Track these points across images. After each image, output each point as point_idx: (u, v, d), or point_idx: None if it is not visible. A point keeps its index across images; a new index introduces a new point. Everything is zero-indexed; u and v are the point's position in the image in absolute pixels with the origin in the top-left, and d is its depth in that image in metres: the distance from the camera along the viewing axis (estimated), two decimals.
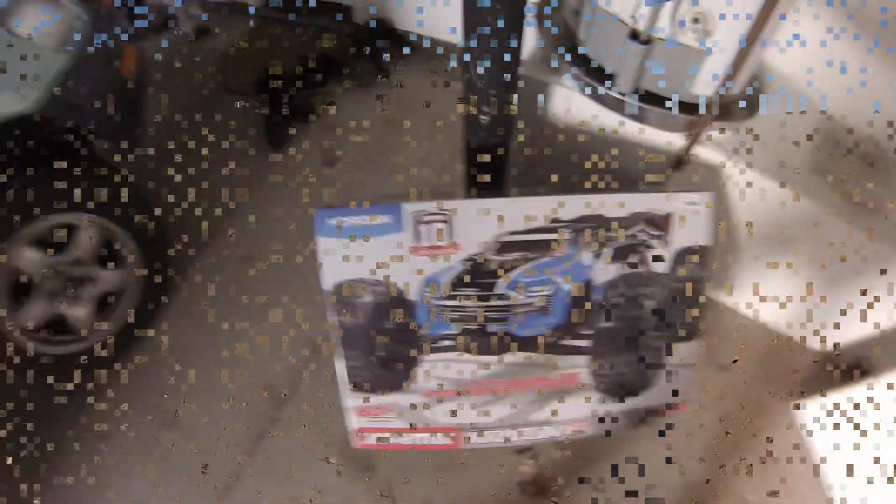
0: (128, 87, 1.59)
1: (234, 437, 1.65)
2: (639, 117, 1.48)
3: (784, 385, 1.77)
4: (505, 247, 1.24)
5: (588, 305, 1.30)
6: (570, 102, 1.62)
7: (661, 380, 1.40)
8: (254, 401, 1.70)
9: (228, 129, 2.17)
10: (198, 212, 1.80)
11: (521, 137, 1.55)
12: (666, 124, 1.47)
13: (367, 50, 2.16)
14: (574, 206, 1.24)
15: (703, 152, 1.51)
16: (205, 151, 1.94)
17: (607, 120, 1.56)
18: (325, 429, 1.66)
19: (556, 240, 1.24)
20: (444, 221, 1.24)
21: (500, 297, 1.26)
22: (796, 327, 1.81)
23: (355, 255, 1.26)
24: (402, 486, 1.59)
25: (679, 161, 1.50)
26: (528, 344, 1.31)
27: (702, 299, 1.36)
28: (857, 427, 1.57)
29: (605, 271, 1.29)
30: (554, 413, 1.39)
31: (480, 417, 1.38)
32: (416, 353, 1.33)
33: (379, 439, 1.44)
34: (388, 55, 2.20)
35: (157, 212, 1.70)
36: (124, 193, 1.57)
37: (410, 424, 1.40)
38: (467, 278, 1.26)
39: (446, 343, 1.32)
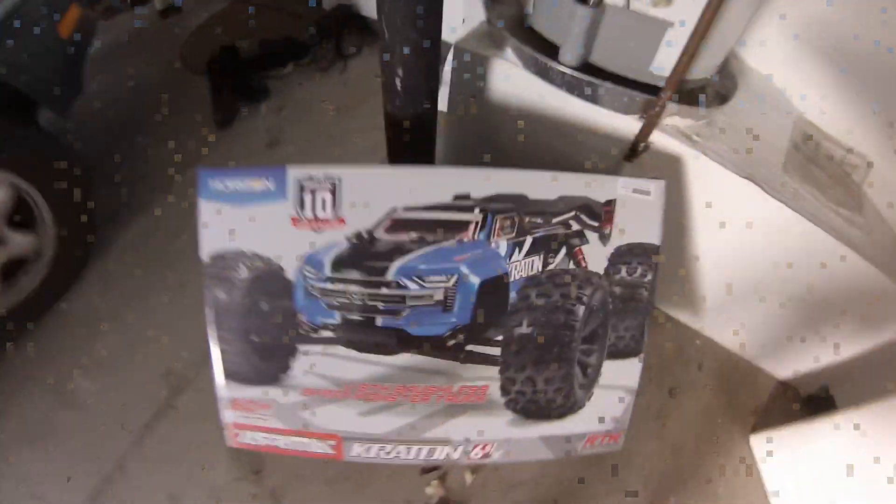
0: (65, 47, 1.40)
1: (128, 421, 1.39)
2: (589, 96, 1.20)
3: (740, 414, 1.46)
4: (399, 225, 0.99)
5: (499, 305, 1.01)
6: (514, 79, 1.34)
7: (590, 402, 1.11)
8: (154, 385, 1.44)
9: (180, 105, 1.99)
10: (125, 184, 1.62)
11: (459, 114, 1.31)
12: (619, 105, 1.19)
13: (331, 35, 1.98)
14: (489, 181, 0.98)
15: (661, 140, 1.22)
16: (149, 125, 1.77)
17: (553, 100, 1.28)
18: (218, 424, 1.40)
19: (462, 221, 0.97)
20: (331, 191, 1.00)
21: (390, 284, 0.99)
22: (755, 349, 1.51)
23: (235, 223, 1.03)
24: (293, 494, 1.31)
25: (633, 148, 1.21)
26: (422, 345, 1.03)
27: (644, 308, 1.08)
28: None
29: (524, 265, 1.01)
30: (455, 431, 1.09)
31: (366, 427, 1.09)
32: (295, 343, 1.07)
33: (254, 439, 1.16)
34: (352, 42, 2.02)
35: (81, 179, 1.47)
36: (46, 155, 1.37)
37: (285, 426, 1.12)
38: (353, 260, 1.00)
39: (328, 334, 1.05)
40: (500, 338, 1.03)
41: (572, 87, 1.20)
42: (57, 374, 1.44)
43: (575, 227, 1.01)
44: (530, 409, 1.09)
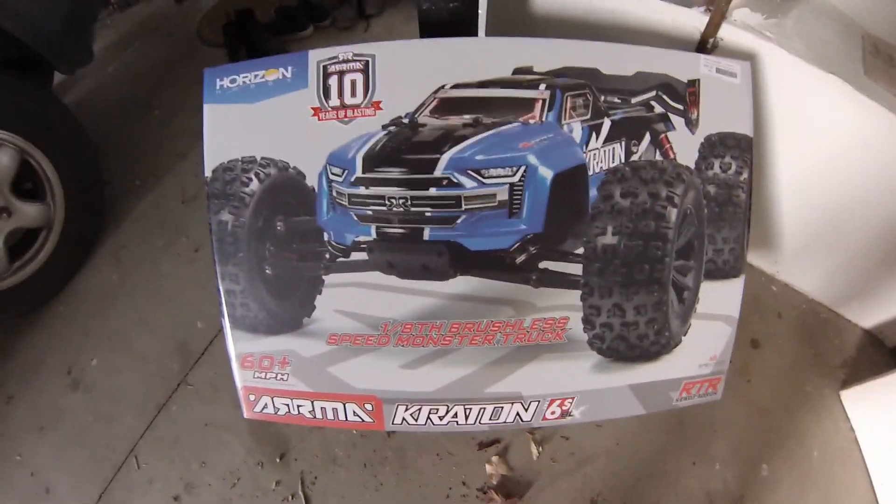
0: (72, 4, 1.10)
1: (141, 402, 0.99)
2: None
3: (829, 368, 1.04)
4: (448, 105, 0.64)
5: (578, 206, 0.64)
6: None
7: (686, 338, 0.72)
8: (168, 360, 1.04)
9: (197, 78, 1.74)
10: (139, 156, 1.29)
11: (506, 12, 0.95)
12: None
13: None
14: (556, 54, 0.65)
15: (732, 35, 0.86)
16: (165, 98, 1.43)
17: (610, 1, 0.93)
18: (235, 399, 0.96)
19: (526, 98, 0.63)
20: (362, 71, 0.65)
21: (440, 182, 0.63)
22: (836, 295, 1.09)
23: (244, 124, 0.69)
24: (324, 481, 0.90)
25: (702, 44, 0.86)
26: (484, 263, 0.65)
27: (744, 215, 0.72)
28: None
29: (604, 154, 0.66)
30: (526, 382, 0.69)
31: (412, 384, 0.69)
32: (319, 272, 0.69)
33: (273, 407, 0.75)
34: (374, 2, 1.63)
35: (92, 150, 1.15)
36: (58, 123, 1.06)
37: (309, 388, 0.72)
38: (391, 154, 0.65)
39: (360, 256, 0.68)
40: (580, 251, 0.66)
41: None
42: (69, 356, 1.06)
43: (658, 109, 0.66)
44: (619, 348, 0.69)
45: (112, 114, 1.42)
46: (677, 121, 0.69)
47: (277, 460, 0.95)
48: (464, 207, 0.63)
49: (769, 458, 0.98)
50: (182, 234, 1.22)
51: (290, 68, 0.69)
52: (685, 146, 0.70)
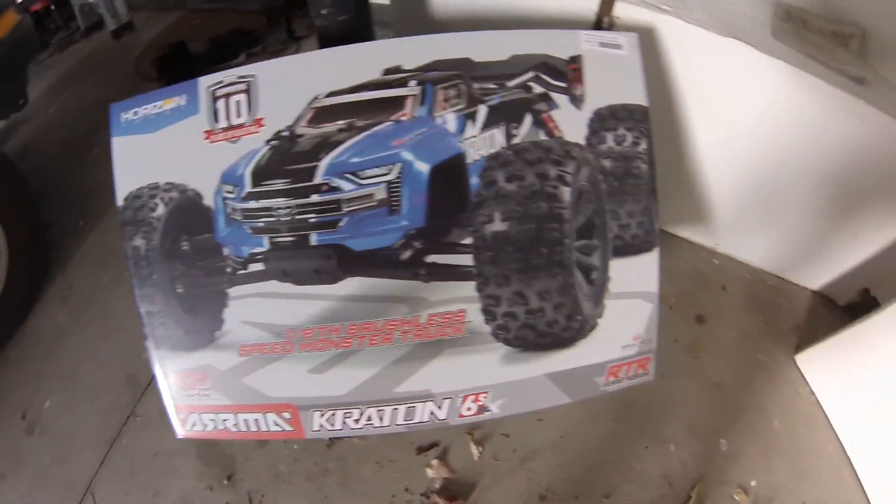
0: (8, 57, 1.17)
1: (95, 437, 1.00)
2: None
3: (781, 334, 1.01)
4: (323, 114, 0.66)
5: (459, 196, 0.64)
6: None
7: (603, 320, 0.71)
8: (118, 392, 1.05)
9: None
10: (83, 196, 1.32)
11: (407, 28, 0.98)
12: None
13: (281, 20, 1.66)
14: (423, 49, 0.66)
15: (628, 12, 0.86)
16: (105, 137, 1.51)
17: None
18: None
19: (397, 97, 0.64)
20: (245, 91, 0.68)
21: (321, 188, 0.64)
22: (780, 260, 1.07)
23: (147, 153, 0.72)
24: (272, 497, 0.89)
25: (597, 25, 0.86)
26: (370, 263, 0.65)
27: (647, 186, 0.71)
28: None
29: (483, 141, 0.65)
30: (434, 380, 0.68)
31: (322, 388, 0.69)
32: (223, 286, 0.71)
33: (202, 423, 0.76)
34: (303, 24, 1.66)
35: (33, 196, 1.18)
36: None
37: (230, 400, 0.72)
38: (275, 166, 0.66)
39: (257, 267, 0.69)
40: (468, 241, 0.65)
41: None
42: (23, 400, 1.08)
43: (537, 89, 0.66)
44: (527, 337, 0.68)
45: (54, 155, 1.46)
46: (560, 98, 0.68)
47: (225, 482, 0.94)
48: (344, 210, 0.64)
49: (727, 432, 0.94)
50: (126, 268, 1.25)
51: (183, 96, 0.72)
52: (572, 123, 0.68)
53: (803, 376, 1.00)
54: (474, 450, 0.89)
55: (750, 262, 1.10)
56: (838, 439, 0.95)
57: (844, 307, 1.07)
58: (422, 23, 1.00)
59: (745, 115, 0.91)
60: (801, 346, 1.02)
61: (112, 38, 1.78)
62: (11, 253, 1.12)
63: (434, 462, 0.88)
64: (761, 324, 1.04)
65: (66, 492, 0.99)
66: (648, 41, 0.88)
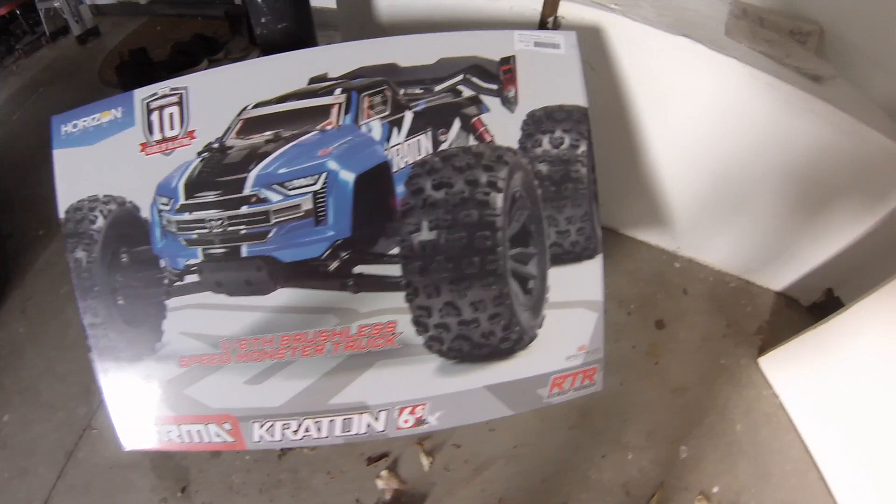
0: None
1: (52, 451, 1.01)
2: None
3: (744, 336, 1.01)
4: (251, 125, 0.66)
5: (385, 205, 0.64)
6: None
7: (543, 330, 0.70)
8: (75, 405, 1.07)
9: None
10: (44, 207, 1.25)
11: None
12: None
13: (242, 26, 1.68)
14: (350, 56, 0.66)
15: (574, 11, 0.86)
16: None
17: None
18: None
19: (322, 106, 0.64)
20: (178, 104, 0.69)
21: (250, 200, 0.65)
22: (742, 261, 1.07)
23: (86, 165, 0.73)
24: None
25: (542, 25, 0.86)
26: (300, 274, 0.66)
27: (587, 190, 0.70)
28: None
29: (409, 148, 0.66)
30: (369, 391, 0.68)
31: (259, 399, 0.70)
32: (161, 298, 0.71)
33: (147, 436, 0.77)
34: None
35: None
36: None
37: (173, 412, 0.74)
38: (206, 178, 0.67)
39: (193, 279, 0.70)
40: (396, 251, 0.65)
41: None
42: None
43: (467, 92, 0.66)
44: (462, 348, 0.68)
45: (17, 164, 1.47)
46: (492, 101, 0.67)
47: (179, 494, 0.96)
48: (272, 221, 0.64)
49: (688, 437, 0.94)
50: None
51: (119, 108, 0.73)
52: (505, 126, 0.68)
53: (766, 379, 1.00)
54: (424, 461, 0.90)
55: (712, 265, 1.10)
56: (803, 441, 0.95)
57: (808, 308, 1.07)
58: (368, 26, 1.00)
59: (700, 114, 0.91)
60: (764, 349, 1.02)
61: (77, 44, 1.80)
62: None
63: (384, 473, 0.88)
64: (723, 327, 1.04)
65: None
66: (595, 41, 0.88)
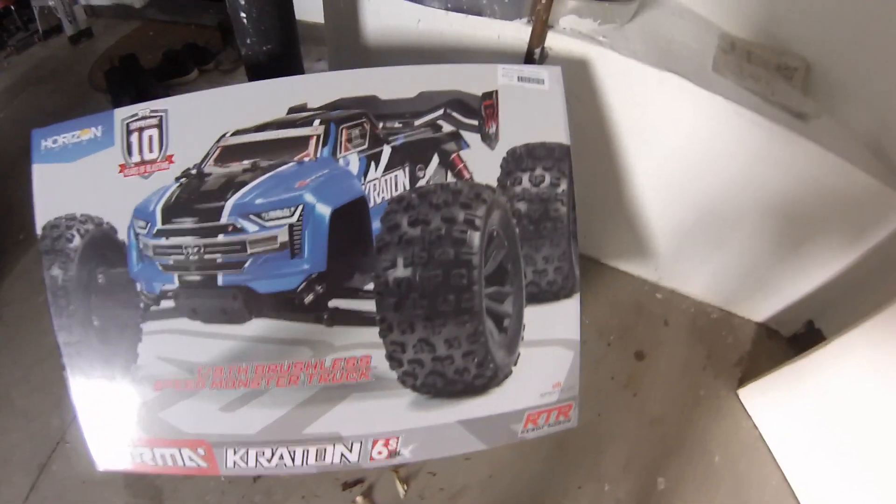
0: None
1: (26, 463, 1.00)
2: (466, 6, 0.86)
3: (723, 367, 1.03)
4: (229, 153, 0.66)
5: (361, 241, 0.65)
6: (386, 11, 0.96)
7: (518, 367, 0.72)
8: (49, 416, 1.06)
9: None
10: (23, 209, 1.28)
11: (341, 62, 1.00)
12: (502, 9, 0.85)
13: (236, 39, 1.76)
14: (329, 86, 0.66)
15: (561, 44, 0.87)
16: None
17: (432, 25, 0.92)
18: None
19: (300, 137, 0.65)
20: (157, 126, 0.69)
21: (227, 229, 0.65)
22: (724, 293, 1.08)
23: (65, 183, 0.73)
24: None
25: (528, 57, 0.86)
26: (276, 305, 0.66)
27: (566, 229, 0.71)
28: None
29: (386, 183, 0.66)
30: (342, 423, 0.69)
31: (234, 427, 0.71)
32: (136, 321, 0.72)
33: (120, 456, 0.78)
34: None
35: None
36: None
37: (146, 434, 0.74)
38: (184, 204, 0.67)
39: (169, 304, 0.70)
40: (370, 286, 0.66)
41: (446, 1, 0.87)
42: None
43: (447, 128, 0.66)
44: (435, 384, 0.69)
45: (2, 164, 1.44)
46: (472, 137, 0.68)
47: None
48: (249, 251, 0.65)
49: (665, 469, 0.95)
50: None
51: (99, 127, 0.73)
52: (484, 163, 0.69)
53: (746, 410, 1.02)
54: (400, 488, 0.90)
55: (694, 295, 1.12)
56: (782, 473, 0.96)
57: (789, 339, 1.09)
58: (354, 45, 1.00)
59: (684, 147, 0.93)
60: (744, 380, 1.04)
61: (69, 44, 1.79)
62: None
63: (359, 499, 0.89)
64: (703, 357, 1.05)
65: None
66: (583, 73, 0.90)
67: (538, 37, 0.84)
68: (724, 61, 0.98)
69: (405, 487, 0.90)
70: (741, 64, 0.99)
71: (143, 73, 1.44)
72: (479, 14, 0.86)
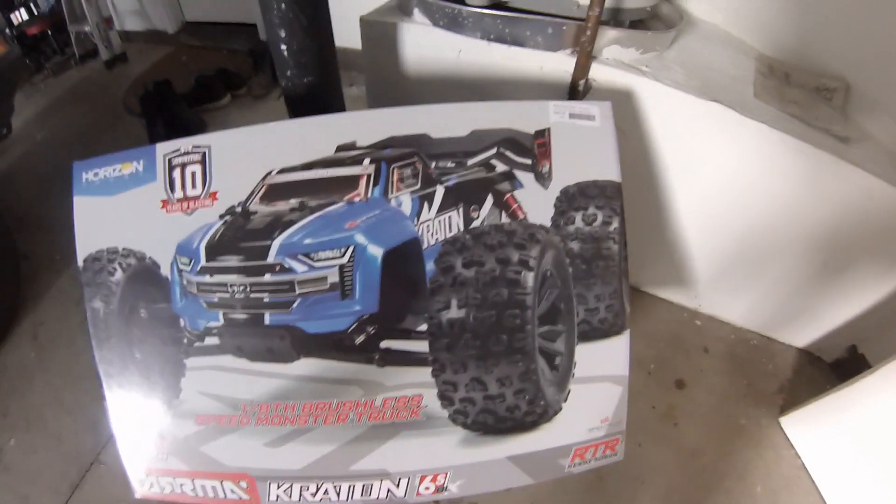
0: None
1: (57, 482, 0.99)
2: (509, 38, 0.85)
3: (764, 396, 0.99)
4: (275, 191, 0.65)
5: (414, 282, 0.63)
6: (427, 41, 0.96)
7: (567, 404, 0.69)
8: (83, 437, 1.06)
9: (120, 146, 1.73)
10: (62, 230, 1.32)
11: (380, 92, 0.98)
12: (545, 41, 0.84)
13: (266, 63, 1.68)
14: (378, 124, 0.64)
15: (605, 75, 0.86)
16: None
17: (474, 55, 0.92)
18: None
19: (350, 176, 0.63)
20: (200, 162, 0.68)
21: (274, 268, 0.63)
22: (764, 319, 1.05)
23: (107, 216, 0.72)
24: None
25: (573, 89, 0.85)
26: (324, 346, 0.64)
27: (617, 268, 0.68)
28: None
29: (440, 224, 0.64)
30: (391, 460, 0.67)
31: (279, 462, 0.69)
32: (180, 357, 0.71)
33: (159, 486, 0.76)
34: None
35: (9, 228, 1.18)
36: None
37: (187, 466, 0.72)
38: (229, 242, 0.65)
39: (213, 341, 0.68)
40: (423, 328, 0.64)
41: (488, 32, 0.86)
42: None
43: (500, 167, 0.64)
44: (486, 422, 0.67)
45: (36, 185, 1.47)
46: (525, 177, 0.66)
47: None
48: (297, 292, 0.63)
49: (705, 501, 0.92)
50: None
51: (141, 162, 0.71)
52: (537, 203, 0.66)
53: (788, 439, 0.98)
54: None
55: (733, 322, 1.08)
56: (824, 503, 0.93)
57: (832, 364, 1.05)
58: (392, 77, 0.98)
59: (727, 176, 0.90)
60: (785, 408, 1.00)
61: (104, 68, 1.80)
62: None
63: None
64: (744, 386, 1.02)
65: None
66: (626, 104, 0.87)
67: (582, 68, 0.81)
68: (765, 86, 0.95)
69: None
70: (782, 89, 0.96)
71: (176, 98, 1.44)
72: (522, 45, 0.84)
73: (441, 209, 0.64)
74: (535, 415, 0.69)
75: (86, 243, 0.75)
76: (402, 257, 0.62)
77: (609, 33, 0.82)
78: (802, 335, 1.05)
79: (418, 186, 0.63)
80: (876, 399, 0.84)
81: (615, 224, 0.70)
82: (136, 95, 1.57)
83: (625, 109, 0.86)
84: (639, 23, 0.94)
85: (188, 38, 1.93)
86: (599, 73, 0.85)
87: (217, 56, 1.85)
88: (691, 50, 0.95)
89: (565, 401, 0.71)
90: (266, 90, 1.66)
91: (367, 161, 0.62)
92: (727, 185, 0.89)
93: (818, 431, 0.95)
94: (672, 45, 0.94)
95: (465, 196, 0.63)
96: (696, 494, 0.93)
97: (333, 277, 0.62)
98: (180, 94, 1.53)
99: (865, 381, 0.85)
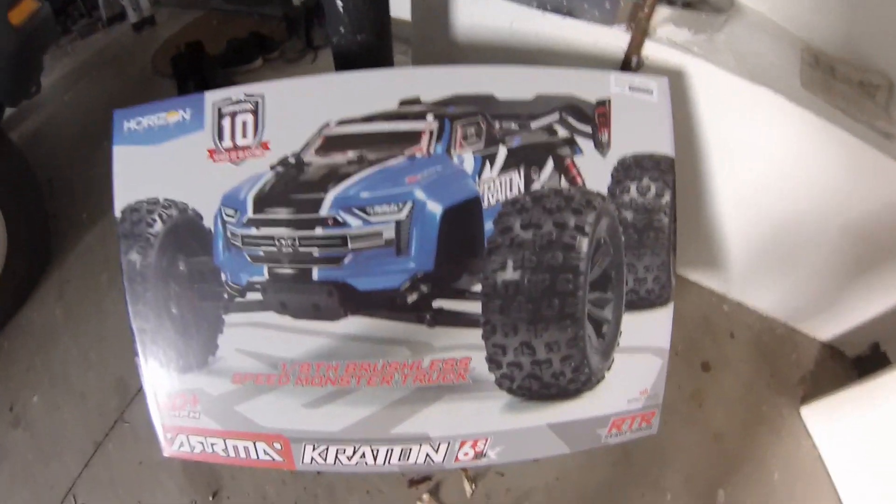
0: (16, 36, 1.07)
1: (80, 440, 0.96)
2: (564, 8, 0.80)
3: (786, 385, 0.97)
4: (333, 143, 0.60)
5: (472, 241, 0.60)
6: (479, 9, 0.91)
7: (610, 373, 0.67)
8: (106, 396, 1.01)
9: None
10: (89, 190, 1.25)
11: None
12: (601, 13, 0.79)
13: (300, 28, 1.60)
14: (445, 81, 0.61)
15: (658, 53, 0.81)
16: (111, 134, 1.46)
17: (527, 24, 0.87)
18: None
19: (413, 131, 0.59)
20: (252, 111, 0.63)
21: (326, 222, 0.59)
22: (791, 309, 1.02)
23: (148, 166, 0.67)
24: None
25: (625, 64, 0.81)
26: (374, 304, 0.61)
27: (667, 240, 0.66)
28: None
29: (500, 184, 0.61)
30: (432, 424, 0.64)
31: (316, 423, 0.65)
32: (219, 312, 0.66)
33: (189, 445, 0.72)
34: (322, 33, 1.62)
35: (37, 186, 1.12)
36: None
37: (220, 426, 0.68)
38: (279, 194, 0.61)
39: (255, 297, 0.64)
40: (477, 288, 0.60)
41: (545, 1, 0.81)
42: (11, 392, 1.03)
43: (562, 133, 0.61)
44: (531, 387, 0.64)
45: (64, 145, 1.40)
46: (585, 144, 0.63)
47: (210, 499, 0.90)
48: (350, 247, 0.59)
49: (725, 484, 0.90)
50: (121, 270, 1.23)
51: (188, 110, 0.67)
52: (596, 170, 0.64)
53: (807, 429, 0.96)
54: (467, 487, 0.85)
55: (760, 310, 1.05)
56: (838, 497, 0.91)
57: (853, 360, 1.03)
58: (441, 45, 0.94)
59: (769, 164, 0.87)
60: (806, 398, 0.98)
61: (133, 31, 1.72)
62: (11, 240, 1.07)
63: (425, 497, 0.84)
64: (767, 374, 1.00)
65: (48, 490, 0.95)
66: (676, 83, 0.82)
67: (637, 45, 0.78)
68: (812, 77, 0.92)
69: (473, 486, 0.85)
70: (829, 81, 0.93)
71: (208, 60, 1.38)
72: (577, 17, 0.80)
73: (503, 169, 0.60)
74: (578, 382, 0.66)
75: (125, 194, 0.70)
76: (462, 216, 0.58)
77: (664, 11, 0.79)
78: (827, 328, 1.03)
79: (481, 146, 0.60)
80: (894, 396, 0.83)
81: (667, 198, 0.68)
82: (167, 57, 1.51)
83: (674, 88, 0.80)
84: (689, 5, 0.91)
85: (219, 2, 1.84)
86: (651, 51, 0.81)
87: (249, 21, 1.75)
88: (739, 36, 0.91)
89: (608, 370, 0.68)
90: (300, 54, 1.58)
91: (430, 117, 0.59)
92: (769, 172, 0.86)
93: (837, 424, 0.93)
94: (721, 29, 0.91)
95: (526, 158, 0.61)
96: (717, 477, 0.90)
97: (389, 233, 0.59)
98: (212, 56, 1.47)
99: (886, 378, 0.83)
